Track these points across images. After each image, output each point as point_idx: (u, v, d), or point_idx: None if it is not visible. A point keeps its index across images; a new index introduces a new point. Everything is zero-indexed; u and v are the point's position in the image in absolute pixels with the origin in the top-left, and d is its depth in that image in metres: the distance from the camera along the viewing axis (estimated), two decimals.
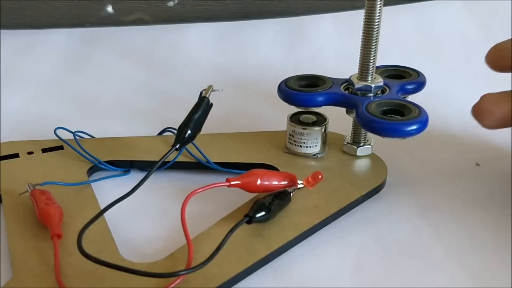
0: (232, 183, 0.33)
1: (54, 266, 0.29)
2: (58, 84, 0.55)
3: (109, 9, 0.66)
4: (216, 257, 0.29)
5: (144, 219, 0.36)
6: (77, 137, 0.40)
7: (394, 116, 0.36)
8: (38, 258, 0.30)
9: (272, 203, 0.33)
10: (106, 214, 0.32)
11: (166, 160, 0.36)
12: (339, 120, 0.40)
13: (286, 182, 0.35)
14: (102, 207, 0.34)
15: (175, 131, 0.41)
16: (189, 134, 0.36)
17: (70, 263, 0.30)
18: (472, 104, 0.34)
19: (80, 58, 0.60)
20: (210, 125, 0.38)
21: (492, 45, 0.36)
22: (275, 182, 0.35)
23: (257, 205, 0.33)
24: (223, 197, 0.36)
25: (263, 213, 0.32)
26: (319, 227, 0.34)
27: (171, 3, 0.66)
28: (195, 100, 0.38)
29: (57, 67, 0.58)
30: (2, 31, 0.63)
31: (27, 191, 0.34)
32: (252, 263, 0.30)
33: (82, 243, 0.29)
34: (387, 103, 0.36)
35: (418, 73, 0.41)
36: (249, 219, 0.32)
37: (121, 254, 0.31)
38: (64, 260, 0.30)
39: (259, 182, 0.34)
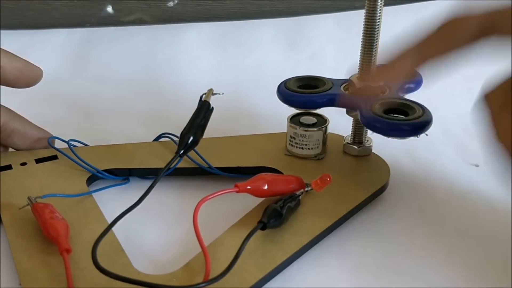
0: (241, 188, 0.33)
1: (67, 282, 0.28)
2: (58, 84, 0.55)
3: (109, 9, 0.66)
4: (234, 265, 0.29)
5: (152, 228, 0.35)
6: (72, 146, 0.39)
7: (397, 115, 0.36)
8: (49, 275, 0.29)
9: (283, 208, 0.32)
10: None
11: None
12: (335, 120, 0.40)
13: (293, 186, 0.35)
14: (106, 218, 0.34)
15: (172, 136, 0.41)
16: (192, 140, 0.36)
17: (82, 278, 0.29)
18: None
19: (80, 58, 0.60)
20: (208, 128, 0.38)
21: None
22: (283, 186, 0.34)
23: (269, 211, 0.32)
24: (230, 202, 0.35)
25: (276, 218, 0.32)
26: (331, 229, 0.34)
27: (171, 3, 0.66)
28: (194, 100, 0.38)
29: (57, 67, 0.58)
30: (2, 31, 0.63)
31: (27, 204, 0.33)
32: (270, 270, 0.30)
33: (97, 258, 0.28)
34: (391, 103, 0.36)
35: (414, 71, 0.41)
36: (263, 225, 0.31)
37: (134, 266, 0.30)
38: (76, 276, 0.29)
39: (267, 186, 0.34)
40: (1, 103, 0.40)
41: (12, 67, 0.38)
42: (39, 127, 0.40)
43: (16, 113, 0.40)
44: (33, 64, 0.39)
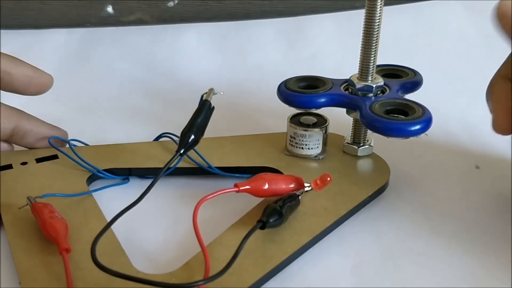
0: (241, 188, 0.33)
1: (67, 282, 0.28)
2: (58, 84, 0.54)
3: (109, 9, 0.66)
4: (233, 265, 0.29)
5: (152, 228, 0.35)
6: (72, 146, 0.39)
7: (398, 116, 0.36)
8: (48, 274, 0.29)
9: (283, 207, 0.32)
10: (113, 225, 0.31)
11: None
12: (335, 120, 0.40)
13: (293, 185, 0.35)
14: (106, 218, 0.33)
15: (172, 136, 0.41)
16: (192, 139, 0.35)
17: (82, 277, 0.29)
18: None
19: (80, 58, 0.60)
20: (208, 128, 0.38)
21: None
22: (283, 186, 0.34)
23: (269, 210, 0.32)
24: (229, 202, 0.35)
25: (276, 217, 0.32)
26: (331, 229, 0.34)
27: (171, 3, 0.66)
28: (194, 101, 0.38)
29: (57, 67, 0.57)
30: (2, 31, 0.63)
31: (27, 204, 0.33)
32: (270, 269, 0.30)
33: (96, 256, 0.28)
34: (391, 103, 0.36)
35: (414, 72, 0.41)
36: (263, 224, 0.31)
37: (134, 266, 0.30)
38: (75, 275, 0.29)
39: (267, 186, 0.34)
40: (6, 104, 0.39)
41: (21, 74, 0.37)
42: (51, 125, 0.40)
43: (26, 114, 0.39)
44: (42, 71, 0.38)
